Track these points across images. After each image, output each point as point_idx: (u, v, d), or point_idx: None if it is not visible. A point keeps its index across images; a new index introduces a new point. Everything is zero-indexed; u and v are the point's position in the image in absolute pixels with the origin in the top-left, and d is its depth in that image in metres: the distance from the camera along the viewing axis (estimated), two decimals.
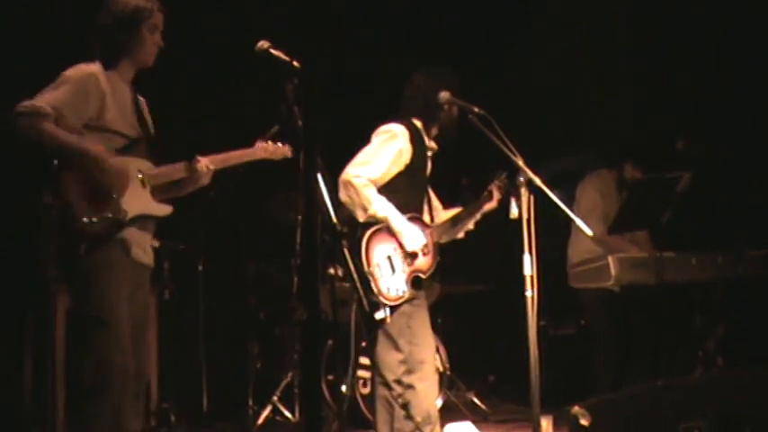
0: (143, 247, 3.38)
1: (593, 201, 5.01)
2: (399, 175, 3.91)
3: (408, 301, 3.88)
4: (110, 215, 3.22)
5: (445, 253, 4.05)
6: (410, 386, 3.87)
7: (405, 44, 6.16)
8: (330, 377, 5.00)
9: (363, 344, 5.20)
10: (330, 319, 4.12)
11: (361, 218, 3.79)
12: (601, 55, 6.35)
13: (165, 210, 3.45)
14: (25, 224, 4.22)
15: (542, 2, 6.60)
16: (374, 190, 3.82)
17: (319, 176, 2.86)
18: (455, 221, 4.09)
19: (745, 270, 4.82)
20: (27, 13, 5.09)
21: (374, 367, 3.87)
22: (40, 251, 3.27)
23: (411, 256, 3.85)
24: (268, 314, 5.62)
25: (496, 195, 4.12)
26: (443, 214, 4.18)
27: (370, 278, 3.70)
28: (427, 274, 3.92)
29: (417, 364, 3.89)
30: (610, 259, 4.70)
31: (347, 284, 4.29)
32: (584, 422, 3.67)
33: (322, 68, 4.14)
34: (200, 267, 5.21)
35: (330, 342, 5.07)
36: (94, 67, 3.31)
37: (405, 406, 3.82)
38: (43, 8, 5.14)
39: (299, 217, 5.17)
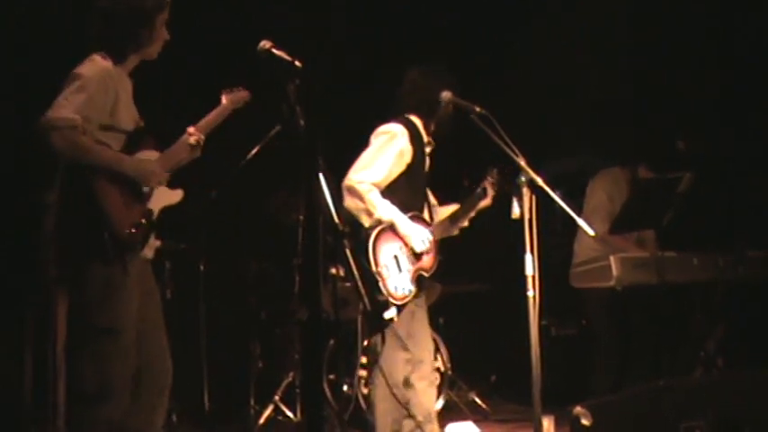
0: (151, 243, 3.36)
1: (598, 200, 5.01)
2: (401, 175, 3.91)
3: (412, 299, 3.89)
4: (143, 221, 3.22)
5: (447, 252, 4.06)
6: (411, 385, 3.88)
7: (405, 44, 6.15)
8: (332, 377, 5.01)
9: (365, 343, 5.22)
10: (332, 319, 4.14)
11: (366, 223, 3.79)
12: (601, 53, 6.34)
13: (178, 195, 3.44)
14: (25, 224, 4.22)
15: (542, 0, 6.60)
16: (378, 194, 3.82)
17: (321, 176, 2.86)
18: (453, 219, 4.09)
19: (746, 271, 4.82)
20: (27, 13, 5.09)
21: (375, 367, 3.86)
22: (41, 251, 3.27)
23: (416, 256, 3.86)
24: (269, 314, 5.61)
25: (490, 192, 4.12)
26: (442, 211, 4.18)
27: (379, 278, 3.70)
28: (429, 273, 3.94)
29: (417, 363, 3.91)
30: (611, 259, 4.70)
31: (349, 284, 4.29)
32: (585, 422, 3.68)
33: (323, 67, 4.14)
34: (201, 267, 5.20)
35: (332, 342, 5.07)
36: (109, 65, 3.24)
37: (405, 405, 3.82)
38: (43, 8, 5.13)
39: (301, 217, 5.17)
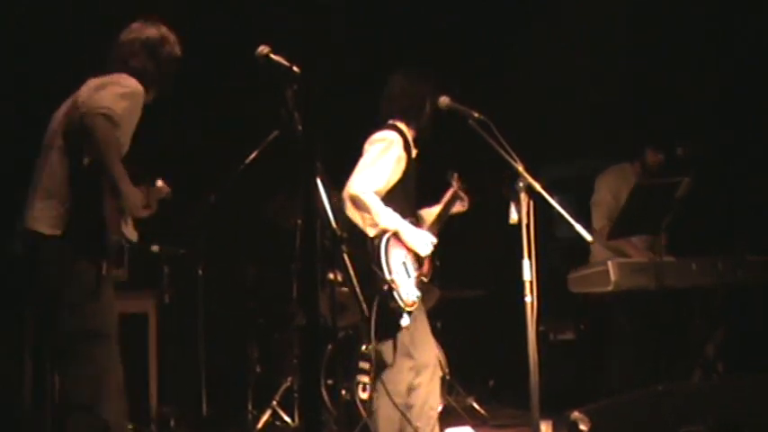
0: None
1: (601, 196, 5.12)
2: (397, 182, 3.90)
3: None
4: (122, 240, 3.26)
5: (445, 258, 4.06)
6: (415, 389, 3.88)
7: (405, 44, 6.14)
8: (329, 382, 5.00)
9: (363, 348, 5.21)
10: (329, 324, 4.13)
11: (371, 233, 3.77)
12: (601, 55, 6.34)
13: (134, 236, 3.47)
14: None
15: (542, 2, 6.59)
16: (381, 202, 3.81)
17: (319, 181, 2.86)
18: (440, 219, 4.09)
19: (746, 275, 4.82)
20: (27, 13, 5.09)
21: (379, 374, 3.87)
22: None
23: (419, 261, 3.86)
24: (268, 319, 5.61)
25: (464, 197, 4.12)
26: (427, 214, 4.16)
27: (393, 286, 3.69)
28: (428, 278, 3.93)
29: (421, 368, 3.90)
30: (609, 264, 4.70)
31: (347, 289, 4.28)
32: (583, 427, 3.68)
33: (322, 71, 4.14)
34: (199, 272, 5.21)
35: (330, 347, 5.06)
36: (142, 89, 3.30)
37: (407, 413, 3.81)
38: (43, 8, 5.13)
39: (299, 221, 5.16)
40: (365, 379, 5.07)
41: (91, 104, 3.11)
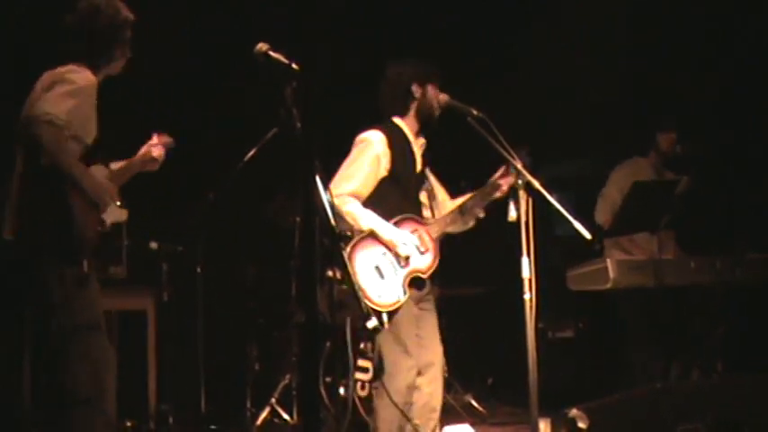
0: None
1: (608, 192, 5.16)
2: (385, 180, 3.89)
3: (420, 301, 3.89)
4: (100, 229, 3.27)
5: (443, 255, 4.03)
6: (417, 387, 3.87)
7: (405, 44, 6.14)
8: (328, 379, 5.00)
9: (362, 346, 5.21)
10: (328, 322, 4.12)
11: (352, 230, 3.79)
12: (601, 55, 6.34)
13: (124, 214, 3.51)
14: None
15: (542, 2, 6.59)
16: (356, 204, 3.81)
17: (318, 179, 2.86)
18: (464, 209, 3.99)
19: (745, 273, 4.81)
20: (27, 13, 5.09)
21: (379, 372, 3.86)
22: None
23: (405, 259, 3.84)
24: (266, 317, 5.62)
25: (507, 179, 3.96)
26: (450, 204, 4.11)
27: (358, 289, 3.68)
28: (427, 273, 3.89)
29: (425, 367, 3.89)
30: (608, 262, 4.70)
31: (345, 287, 4.28)
32: (581, 425, 3.67)
33: (321, 69, 4.14)
34: (198, 270, 5.21)
35: (328, 344, 5.06)
36: (94, 79, 3.28)
37: (406, 410, 3.81)
38: (43, 8, 5.13)
39: (298, 219, 5.17)
40: (364, 377, 5.08)
41: (34, 112, 3.11)
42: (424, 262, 3.89)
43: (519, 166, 3.73)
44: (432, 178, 4.14)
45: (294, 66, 2.89)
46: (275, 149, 4.76)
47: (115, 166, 3.49)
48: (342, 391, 4.92)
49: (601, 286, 4.75)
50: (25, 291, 3.49)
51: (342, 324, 4.27)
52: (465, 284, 5.98)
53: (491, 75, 6.42)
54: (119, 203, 3.46)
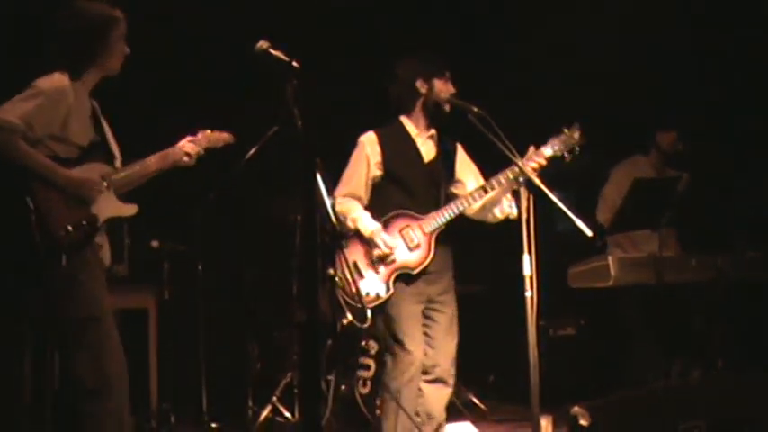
0: (105, 249, 3.40)
1: (608, 192, 5.20)
2: (383, 180, 3.93)
3: (431, 301, 3.89)
4: (84, 222, 3.24)
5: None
6: (420, 396, 3.87)
7: (405, 44, 6.13)
8: (329, 377, 5.00)
9: (363, 343, 5.21)
10: (329, 320, 4.13)
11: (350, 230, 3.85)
12: (600, 55, 6.33)
13: (131, 209, 3.47)
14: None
15: (542, 2, 6.59)
16: (348, 204, 3.87)
17: (318, 177, 2.86)
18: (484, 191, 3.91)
19: (745, 271, 4.82)
20: (27, 12, 5.09)
21: (382, 368, 3.87)
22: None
23: (380, 258, 3.84)
24: (268, 315, 5.62)
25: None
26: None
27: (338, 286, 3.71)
28: (417, 270, 3.86)
29: (430, 368, 3.89)
30: (609, 259, 4.70)
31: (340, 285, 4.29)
32: (583, 422, 3.67)
33: (321, 68, 4.14)
34: (199, 268, 5.21)
35: (329, 342, 5.06)
36: (66, 81, 3.27)
37: (407, 408, 3.80)
38: (42, 8, 5.13)
39: (299, 218, 5.17)
40: (365, 374, 5.08)
41: None
42: (413, 258, 3.87)
43: (520, 163, 3.73)
44: (462, 168, 4.09)
45: (294, 63, 2.90)
46: (276, 147, 4.76)
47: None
48: (343, 388, 4.93)
49: (602, 283, 4.76)
50: (25, 290, 3.49)
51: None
52: (466, 282, 5.97)
53: (491, 75, 6.42)
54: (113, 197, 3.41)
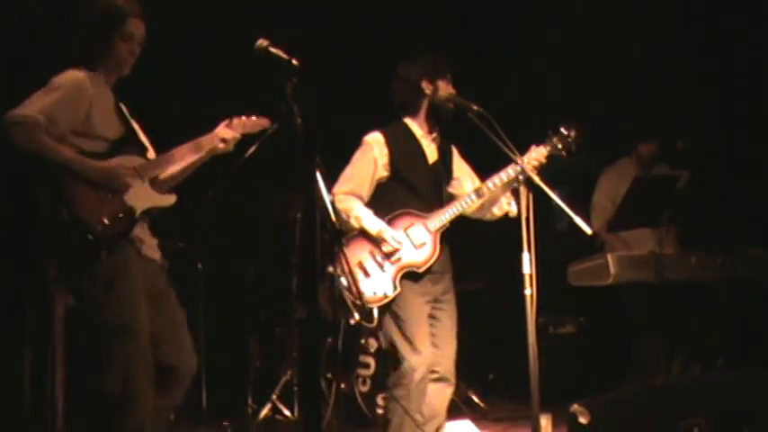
0: (149, 242, 3.38)
1: (597, 200, 5.20)
2: (389, 180, 3.92)
3: (437, 301, 3.89)
4: (121, 215, 3.21)
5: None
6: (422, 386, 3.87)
7: (405, 44, 6.13)
8: (329, 375, 5.01)
9: (363, 341, 5.22)
10: (329, 318, 4.13)
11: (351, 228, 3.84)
12: (600, 54, 6.34)
13: (169, 200, 3.44)
14: (25, 223, 4.22)
15: (542, 2, 6.59)
16: (350, 202, 3.86)
17: (318, 174, 2.86)
18: (480, 193, 3.93)
19: (746, 269, 4.81)
20: (27, 13, 5.09)
21: (383, 366, 3.87)
22: (39, 251, 3.28)
23: (389, 256, 3.84)
24: (268, 313, 5.62)
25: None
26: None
27: (343, 286, 3.70)
28: (423, 268, 3.86)
29: (435, 365, 3.89)
30: (609, 257, 4.70)
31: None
32: (583, 420, 3.67)
33: (321, 67, 4.14)
34: (199, 266, 5.21)
35: (329, 340, 5.07)
36: (82, 74, 3.27)
37: (408, 408, 3.80)
38: (43, 8, 5.14)
39: (299, 215, 5.17)
40: (365, 372, 5.09)
41: (4, 117, 3.11)
42: (419, 256, 3.87)
43: (519, 161, 3.73)
44: (458, 168, 4.12)
45: (294, 61, 2.90)
46: (275, 144, 4.76)
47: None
48: (343, 386, 4.93)
49: (602, 282, 4.75)
50: (27, 291, 3.49)
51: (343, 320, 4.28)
52: (466, 280, 5.98)
53: (491, 74, 6.42)
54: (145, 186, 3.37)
